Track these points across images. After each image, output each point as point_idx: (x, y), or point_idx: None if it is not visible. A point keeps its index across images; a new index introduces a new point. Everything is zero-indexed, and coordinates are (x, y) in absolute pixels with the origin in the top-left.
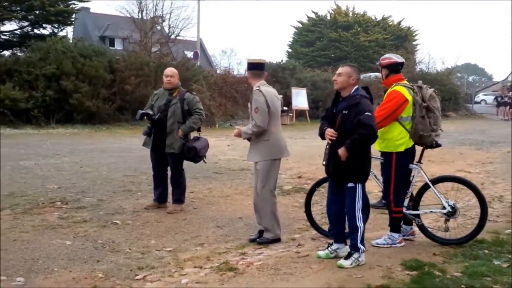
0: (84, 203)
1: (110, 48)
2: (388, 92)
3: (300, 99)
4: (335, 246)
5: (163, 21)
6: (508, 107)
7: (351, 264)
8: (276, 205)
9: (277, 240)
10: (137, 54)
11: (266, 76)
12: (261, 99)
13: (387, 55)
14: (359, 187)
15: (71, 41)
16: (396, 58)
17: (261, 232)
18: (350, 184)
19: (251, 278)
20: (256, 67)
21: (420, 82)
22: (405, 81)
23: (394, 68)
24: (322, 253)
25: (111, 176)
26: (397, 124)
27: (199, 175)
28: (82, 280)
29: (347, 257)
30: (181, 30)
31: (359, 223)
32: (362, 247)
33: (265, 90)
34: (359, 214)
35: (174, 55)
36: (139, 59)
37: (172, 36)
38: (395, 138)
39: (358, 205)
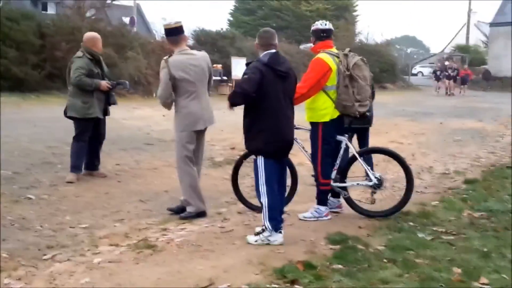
0: None
1: (43, 12)
2: (312, 60)
3: (240, 68)
4: (266, 233)
5: None
6: (452, 81)
7: (256, 241)
8: (195, 177)
9: (201, 214)
10: (69, 18)
11: (186, 39)
12: (164, 70)
13: (315, 22)
14: (260, 160)
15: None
16: (320, 25)
17: (183, 207)
18: (254, 157)
19: (169, 256)
20: (171, 33)
21: (347, 49)
22: (332, 49)
23: (318, 35)
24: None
25: (31, 147)
26: (321, 93)
27: (128, 146)
28: None
29: (257, 233)
30: None
31: (263, 199)
32: (268, 225)
33: (173, 60)
34: (262, 189)
35: (111, 20)
36: (71, 24)
37: (108, 1)
38: (319, 107)
39: (262, 179)
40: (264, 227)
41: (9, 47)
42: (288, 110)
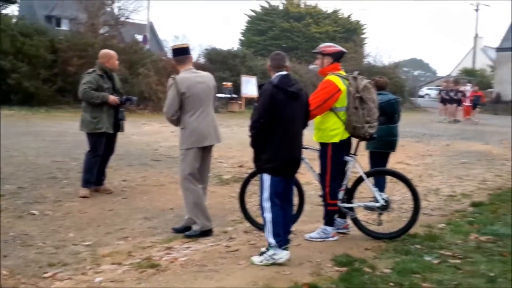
0: (2, 191)
1: (57, 28)
2: (322, 81)
3: (250, 87)
4: (271, 251)
5: (113, 2)
6: (455, 105)
7: (261, 261)
8: (200, 194)
9: (207, 232)
10: (82, 34)
11: (191, 59)
12: (172, 87)
13: (328, 44)
14: (266, 176)
15: (14, 20)
16: (339, 46)
17: (187, 225)
18: (260, 174)
19: (173, 276)
20: (178, 53)
21: (355, 72)
22: (341, 71)
23: (339, 56)
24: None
25: (38, 161)
26: (332, 114)
27: (136, 162)
28: None
29: (262, 252)
30: (131, 12)
31: (266, 214)
32: (272, 241)
33: (181, 77)
34: (265, 204)
35: (124, 38)
36: (83, 40)
37: (122, 19)
38: (330, 128)
39: (265, 194)
40: (268, 246)
41: (21, 61)
42: (298, 130)
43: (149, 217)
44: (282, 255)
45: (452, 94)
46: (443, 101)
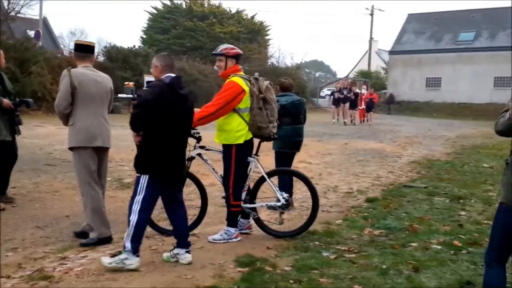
0: None
1: None
2: (225, 82)
3: None
4: (176, 250)
5: None
6: (348, 105)
7: (111, 263)
8: (99, 199)
9: (106, 240)
10: None
11: (93, 60)
12: (65, 79)
13: (229, 46)
14: (143, 179)
15: None
16: (237, 48)
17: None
18: (138, 175)
19: (67, 287)
20: (81, 49)
21: (256, 74)
22: (241, 73)
23: (239, 58)
24: (165, 255)
25: None
26: (236, 116)
27: (26, 167)
28: None
29: (114, 255)
30: (22, 6)
31: (132, 217)
32: (128, 246)
33: (76, 71)
34: (135, 207)
35: (14, 33)
36: None
37: (12, 13)
38: (234, 129)
39: (138, 197)
40: (122, 249)
41: None
42: (183, 135)
43: (41, 226)
44: (134, 261)
45: (345, 92)
46: (335, 102)
